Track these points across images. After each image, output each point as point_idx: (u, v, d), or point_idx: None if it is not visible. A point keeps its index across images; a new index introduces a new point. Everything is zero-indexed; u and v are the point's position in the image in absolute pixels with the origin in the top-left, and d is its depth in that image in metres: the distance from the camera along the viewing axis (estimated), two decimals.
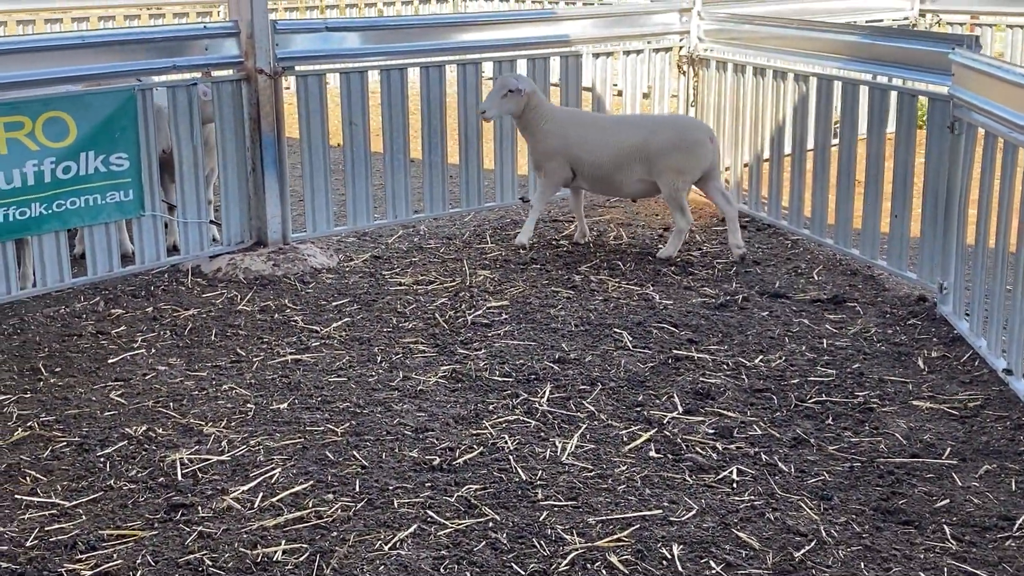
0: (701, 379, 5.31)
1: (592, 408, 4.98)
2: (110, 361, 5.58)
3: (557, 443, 4.62)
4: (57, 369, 5.49)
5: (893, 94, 6.69)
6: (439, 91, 7.65)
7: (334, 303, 6.44)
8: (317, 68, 7.26)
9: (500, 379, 5.31)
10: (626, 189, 7.34)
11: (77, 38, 6.27)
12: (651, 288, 6.69)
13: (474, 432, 4.72)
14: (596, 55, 8.64)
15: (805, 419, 4.90)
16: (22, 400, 5.09)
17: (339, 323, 6.09)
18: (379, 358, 5.59)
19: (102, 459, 4.48)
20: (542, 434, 4.72)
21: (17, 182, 5.97)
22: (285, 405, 5.01)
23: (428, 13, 15.19)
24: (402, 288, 6.69)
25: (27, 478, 4.33)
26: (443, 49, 7.70)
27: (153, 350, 5.74)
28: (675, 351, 5.66)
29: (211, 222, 7.09)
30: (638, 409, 4.98)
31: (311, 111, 7.15)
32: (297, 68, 7.14)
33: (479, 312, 6.24)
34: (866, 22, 10.33)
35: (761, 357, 5.59)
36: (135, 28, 10.27)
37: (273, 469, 4.39)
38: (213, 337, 5.91)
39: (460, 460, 4.45)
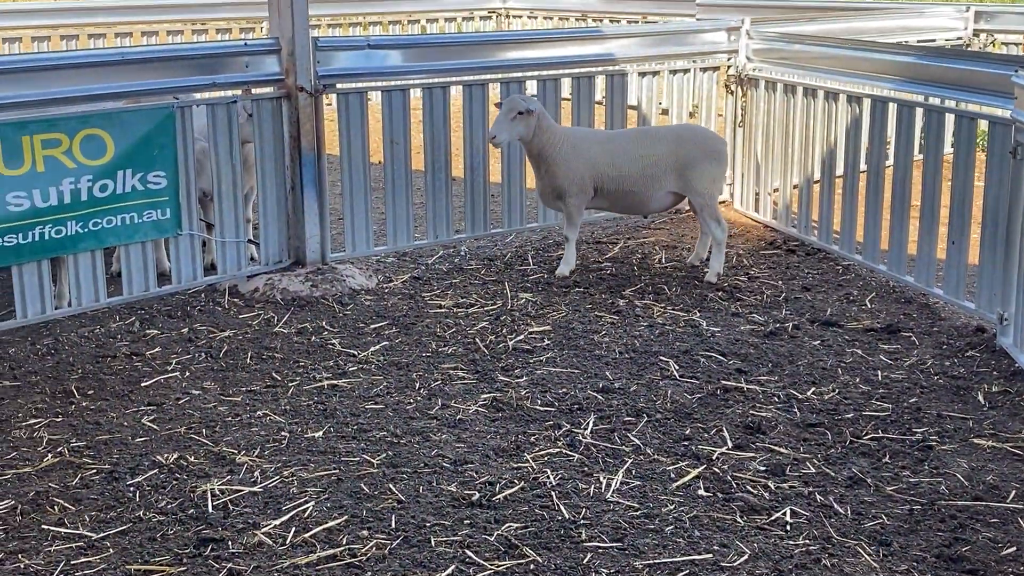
0: (751, 412, 5.11)
1: (638, 441, 4.79)
2: (143, 384, 5.47)
3: (601, 479, 4.44)
4: (90, 392, 5.38)
5: (950, 116, 6.46)
6: (482, 110, 7.52)
7: (372, 326, 6.29)
8: (359, 86, 7.14)
9: (542, 409, 5.13)
10: (653, 203, 7.20)
11: (116, 55, 6.19)
12: (698, 314, 6.49)
13: (515, 465, 4.55)
14: (642, 74, 8.46)
15: (861, 457, 4.69)
16: (53, 424, 4.98)
17: (377, 347, 5.95)
18: (417, 384, 5.44)
19: (132, 488, 4.36)
20: (585, 468, 4.54)
21: (54, 200, 5.89)
22: (320, 434, 4.86)
23: (472, 31, 15.08)
24: (442, 311, 6.54)
25: (55, 507, 4.21)
26: (486, 67, 7.56)
27: (187, 373, 5.62)
28: (724, 381, 5.46)
29: (249, 241, 6.98)
30: (686, 443, 4.79)
31: (352, 129, 7.03)
32: (339, 85, 7.03)
33: (520, 337, 6.08)
34: (918, 42, 10.12)
35: (813, 389, 5.38)
36: (175, 45, 10.21)
37: (307, 502, 4.24)
38: (249, 360, 5.79)
39: (500, 496, 4.28)
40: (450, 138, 7.48)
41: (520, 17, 15.68)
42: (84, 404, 5.22)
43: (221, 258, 6.77)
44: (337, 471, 4.50)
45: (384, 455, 4.64)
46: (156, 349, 5.94)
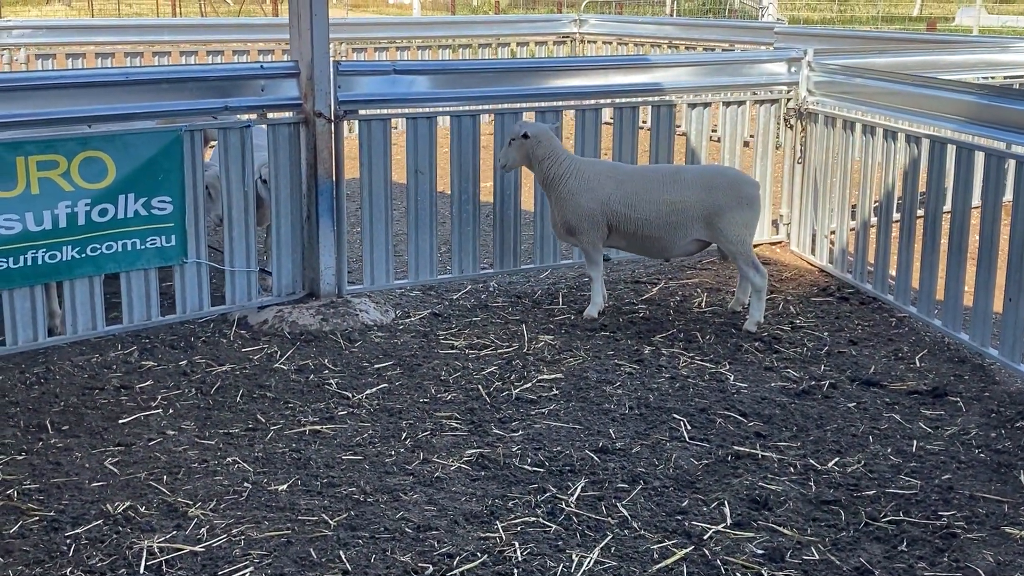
0: (760, 483, 4.63)
1: (626, 512, 4.35)
2: (121, 421, 5.20)
3: (574, 556, 4.01)
4: (64, 427, 5.13)
5: (1011, 162, 5.89)
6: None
7: (376, 365, 5.95)
8: (382, 112, 6.84)
9: (530, 469, 4.72)
10: (676, 250, 6.69)
11: (120, 75, 5.97)
12: (727, 366, 6.01)
13: (482, 535, 4.14)
14: (692, 105, 8.01)
15: (874, 542, 4.18)
16: (13, 463, 4.73)
17: (374, 389, 5.60)
18: (404, 434, 5.07)
19: (69, 540, 4.06)
20: (560, 543, 4.11)
21: (48, 224, 5.68)
22: (285, 487, 4.52)
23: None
24: (452, 352, 6.17)
25: None
26: (520, 96, 7.19)
27: (171, 410, 5.34)
28: (737, 446, 4.98)
29: (261, 271, 6.71)
30: (679, 517, 4.33)
31: (374, 157, 6.73)
32: (361, 112, 6.73)
33: (528, 385, 5.68)
34: (1004, 78, 9.49)
35: (837, 459, 4.87)
36: (186, 66, 10.10)
37: (246, 567, 3.89)
38: (238, 399, 5.49)
39: (456, 571, 3.88)
40: (479, 168, 7.13)
41: (595, 43, 15.34)
42: (54, 441, 4.97)
43: (231, 288, 6.51)
44: (290, 531, 4.15)
45: (345, 515, 4.28)
46: (148, 382, 5.69)
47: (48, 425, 5.14)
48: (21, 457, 4.79)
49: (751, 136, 8.65)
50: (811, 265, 8.01)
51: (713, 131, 9.11)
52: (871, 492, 4.57)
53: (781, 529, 4.25)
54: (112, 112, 5.93)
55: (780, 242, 8.50)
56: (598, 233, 6.62)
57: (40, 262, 5.71)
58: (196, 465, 4.73)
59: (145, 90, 6.02)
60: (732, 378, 5.84)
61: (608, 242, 6.75)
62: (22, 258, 5.65)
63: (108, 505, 4.33)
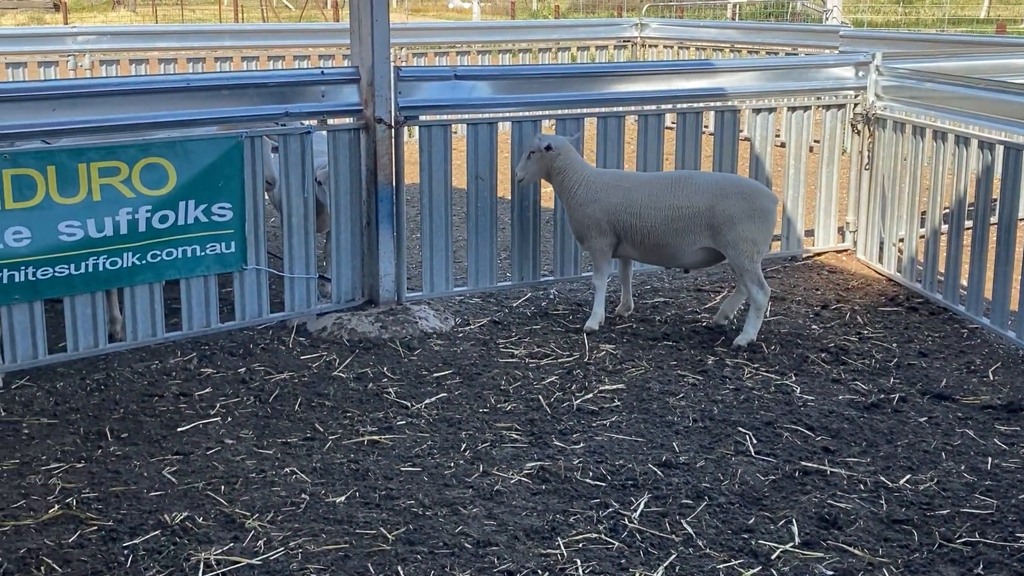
0: (830, 501, 4.48)
1: (691, 530, 4.23)
2: (180, 429, 5.18)
3: (637, 575, 3.90)
4: (124, 435, 5.12)
5: None
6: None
7: (435, 374, 5.89)
8: (443, 118, 6.77)
9: (591, 483, 4.62)
10: (685, 258, 6.50)
11: (181, 81, 5.97)
12: (793, 378, 5.86)
13: (543, 552, 4.05)
14: (757, 111, 7.85)
15: (949, 565, 4.02)
16: (72, 471, 4.73)
17: (433, 399, 5.54)
18: (464, 445, 4.99)
19: (126, 551, 4.04)
20: (623, 561, 4.01)
21: (109, 231, 5.68)
22: (343, 499, 4.46)
23: (604, 61, 14.67)
24: (512, 361, 6.09)
25: (42, 568, 3.92)
26: (581, 101, 7.10)
27: (229, 419, 5.31)
28: (804, 462, 4.84)
29: (321, 277, 6.68)
30: (745, 536, 4.20)
31: (434, 163, 6.67)
32: (421, 117, 6.68)
33: (589, 396, 5.58)
34: None
35: (908, 477, 4.71)
36: (247, 72, 10.09)
37: None
38: (296, 407, 5.45)
39: None
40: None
41: (656, 47, 15.19)
42: (112, 449, 4.96)
43: (290, 295, 6.48)
44: (348, 545, 4.09)
45: (404, 528, 4.21)
46: (207, 390, 5.67)
47: (108, 432, 5.14)
48: (81, 465, 4.79)
49: (816, 141, 8.47)
50: (878, 274, 7.82)
51: (777, 136, 8.95)
52: (945, 511, 4.41)
53: (851, 549, 4.11)
54: (173, 119, 5.92)
55: (846, 250, 8.32)
56: (605, 241, 6.47)
57: (101, 269, 5.72)
58: (254, 475, 4.69)
59: (206, 96, 6.01)
60: (798, 390, 5.70)
61: (619, 252, 6.58)
62: (84, 264, 5.66)
63: (166, 515, 4.29)
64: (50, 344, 5.78)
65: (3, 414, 5.33)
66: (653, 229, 6.36)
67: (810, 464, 4.82)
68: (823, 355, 6.21)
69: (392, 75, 6.45)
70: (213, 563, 3.94)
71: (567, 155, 6.49)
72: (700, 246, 6.38)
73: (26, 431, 5.14)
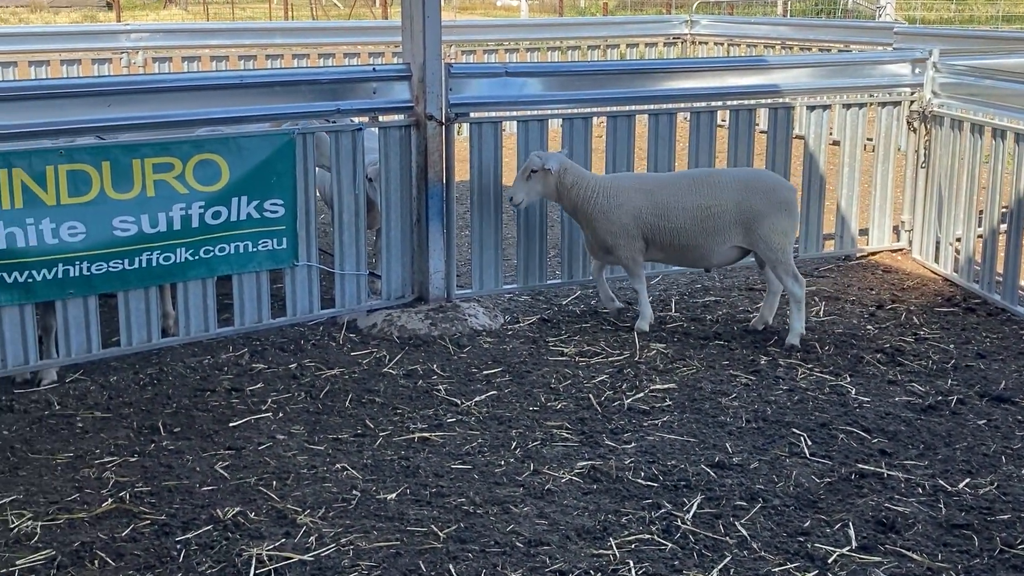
0: (887, 504, 4.40)
1: (745, 532, 4.17)
2: (232, 424, 5.20)
3: None
4: (176, 429, 5.15)
5: None
6: (627, 142, 7.00)
7: (485, 372, 5.87)
8: (493, 115, 6.75)
9: (643, 483, 4.57)
10: (716, 258, 6.39)
11: (235, 78, 5.99)
12: (848, 379, 5.78)
13: (595, 552, 4.01)
14: (811, 108, 7.75)
15: (1011, 571, 3.93)
16: (126, 464, 4.76)
17: (483, 396, 5.51)
18: (514, 443, 4.97)
19: (179, 545, 4.05)
20: (676, 563, 3.96)
21: (163, 226, 5.71)
22: (394, 496, 4.45)
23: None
24: (562, 359, 6.05)
25: (95, 561, 3.94)
26: (633, 98, 7.03)
27: (281, 414, 5.32)
28: (861, 464, 4.76)
29: (371, 274, 6.68)
30: (801, 539, 4.13)
31: (484, 160, 6.65)
32: (472, 115, 6.66)
33: (640, 395, 5.53)
34: None
35: (968, 480, 4.62)
36: (299, 68, 10.13)
37: None
38: (347, 403, 5.45)
39: None
40: (590, 171, 6.98)
41: (706, 44, 15.08)
42: (165, 443, 4.98)
43: (340, 291, 6.48)
44: (399, 542, 4.07)
45: (455, 527, 4.19)
46: (258, 385, 5.69)
47: (160, 427, 5.16)
48: (134, 459, 4.81)
49: (870, 139, 8.35)
50: (934, 274, 7.69)
51: (831, 133, 8.83)
52: (1006, 516, 4.31)
53: (910, 554, 4.03)
54: (226, 115, 5.94)
55: (901, 249, 8.19)
56: (636, 246, 6.35)
57: (155, 264, 5.75)
58: (305, 471, 4.69)
59: (258, 93, 6.03)
60: (853, 391, 5.61)
61: (647, 255, 6.47)
62: (137, 260, 5.69)
63: (218, 510, 4.30)
64: (104, 338, 5.82)
65: (57, 407, 5.38)
66: (682, 230, 6.26)
67: (866, 466, 4.74)
68: (878, 356, 6.11)
69: (443, 72, 6.44)
70: (265, 558, 3.94)
71: (573, 170, 6.34)
72: (732, 244, 6.30)
73: (80, 424, 5.19)
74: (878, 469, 4.71)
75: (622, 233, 6.30)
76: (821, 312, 6.89)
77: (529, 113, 6.84)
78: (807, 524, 4.25)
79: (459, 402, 5.45)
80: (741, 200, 6.22)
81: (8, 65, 11.63)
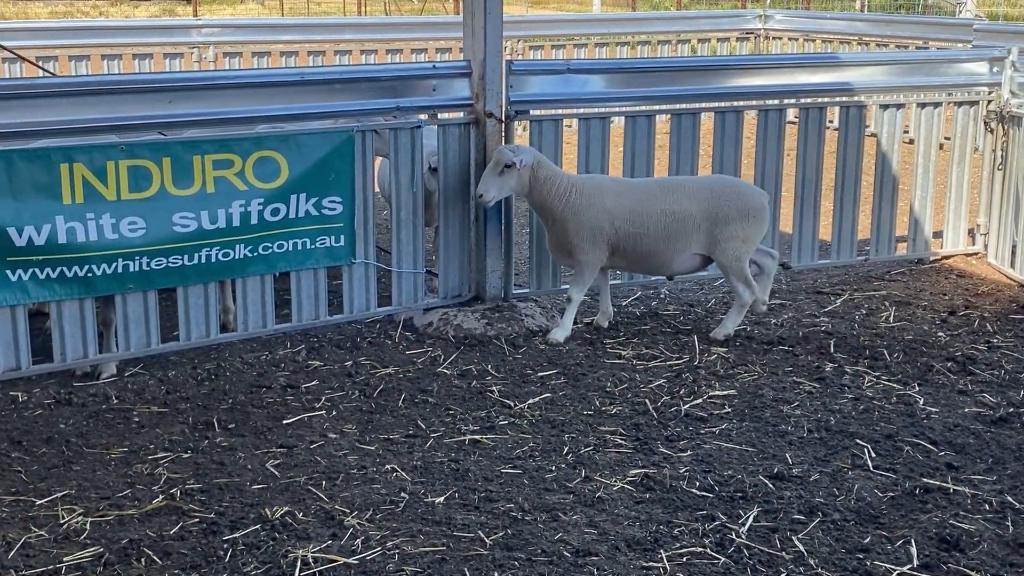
0: (952, 521, 4.24)
1: (802, 547, 4.04)
2: (286, 421, 5.19)
3: None
4: (231, 425, 5.15)
5: None
6: (691, 140, 6.87)
7: (539, 373, 5.79)
8: (554, 112, 6.67)
9: (698, 493, 4.46)
10: (675, 265, 6.24)
11: (296, 75, 5.98)
12: (916, 389, 5.60)
13: (645, 564, 3.91)
14: (884, 106, 7.53)
15: None
16: (179, 460, 4.76)
17: (537, 399, 5.44)
18: (566, 448, 4.88)
19: (226, 545, 4.03)
20: None
21: (222, 223, 5.72)
22: (442, 499, 4.39)
23: (725, 53, 14.37)
24: (620, 362, 5.95)
25: (142, 559, 3.93)
26: (698, 95, 6.90)
27: (334, 412, 5.30)
28: (926, 478, 4.59)
29: (428, 272, 6.63)
30: (860, 556, 3.99)
31: None
32: (532, 112, 6.58)
33: (698, 401, 5.41)
34: None
35: None
36: (359, 66, 10.12)
37: None
38: (400, 403, 5.41)
39: None
40: (653, 171, 6.87)
41: (780, 39, 14.84)
42: (219, 440, 4.98)
43: (397, 289, 6.44)
44: (445, 548, 4.01)
45: (502, 533, 4.12)
46: (313, 382, 5.67)
47: (215, 423, 5.17)
48: (187, 455, 4.82)
49: (946, 139, 8.12)
50: (1010, 280, 7.44)
51: (905, 132, 8.60)
52: None
53: (973, 574, 3.87)
54: (286, 112, 5.93)
55: (976, 253, 7.95)
56: (599, 251, 6.15)
57: (214, 260, 5.76)
58: (355, 471, 4.65)
59: (318, 90, 6.02)
60: (921, 401, 5.43)
61: (609, 261, 6.27)
62: (196, 256, 5.70)
63: (267, 509, 4.28)
64: (164, 333, 5.85)
65: (115, 401, 5.41)
66: (645, 235, 6.10)
67: (932, 481, 4.57)
68: (949, 364, 5.92)
69: (504, 69, 6.37)
70: (310, 560, 3.91)
71: (547, 165, 6.15)
72: (693, 251, 6.18)
73: (136, 419, 5.21)
74: (944, 484, 4.55)
75: (590, 235, 6.11)
76: (891, 318, 6.70)
77: (591, 111, 6.74)
78: (867, 540, 4.10)
79: (512, 404, 5.38)
80: (707, 206, 6.12)
81: (81, 59, 11.81)
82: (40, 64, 8.89)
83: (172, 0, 39.13)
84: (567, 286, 6.86)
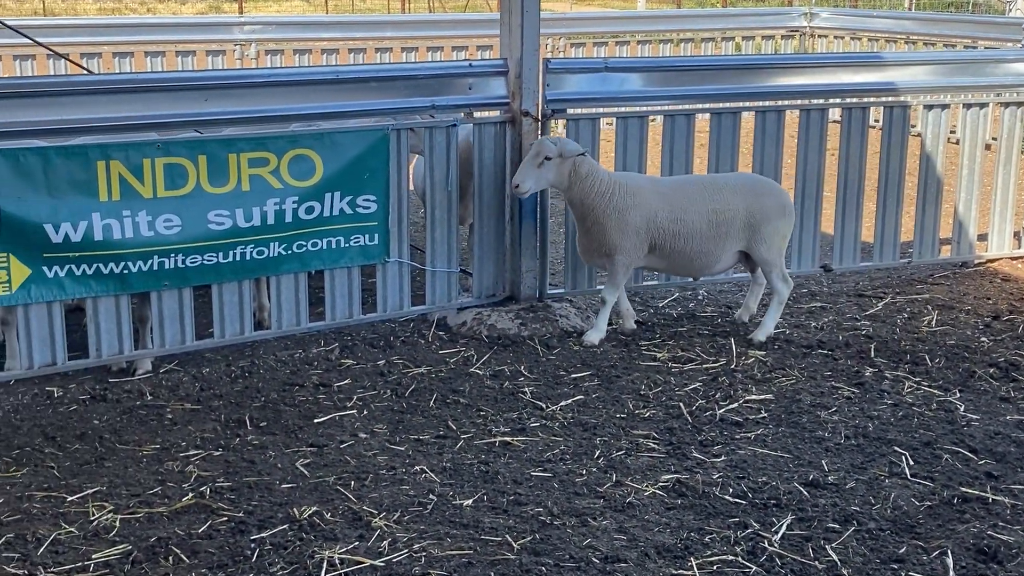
0: (990, 532, 4.14)
1: (836, 557, 3.96)
2: (317, 420, 5.18)
3: None
4: (263, 423, 5.15)
5: None
6: (731, 140, 6.78)
7: (573, 375, 5.74)
8: (592, 111, 6.61)
9: (731, 500, 4.39)
10: (719, 263, 6.22)
11: (331, 73, 5.97)
12: (957, 395, 5.49)
13: (674, 572, 3.85)
14: (929, 107, 7.40)
15: None
16: (210, 458, 4.77)
17: (569, 401, 5.39)
18: (597, 452, 4.83)
19: (253, 544, 4.02)
20: None
21: (257, 220, 5.72)
22: (470, 502, 4.36)
23: (770, 52, 14.22)
24: (655, 364, 5.89)
25: (170, 558, 3.93)
26: (738, 94, 6.81)
27: (365, 412, 5.29)
28: (964, 488, 4.49)
29: (462, 271, 6.60)
30: (895, 566, 3.91)
31: None
32: (569, 111, 6.53)
33: (734, 405, 5.33)
34: None
35: None
36: (394, 64, 10.10)
37: None
38: (431, 403, 5.39)
39: None
40: (692, 170, 6.79)
41: (826, 37, 14.65)
42: (250, 438, 4.98)
43: (431, 289, 6.42)
44: (472, 552, 3.98)
45: (530, 538, 4.08)
46: (345, 381, 5.66)
47: (247, 420, 5.17)
48: (218, 453, 4.82)
49: (993, 139, 7.96)
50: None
51: (952, 132, 8.45)
52: None
53: None
54: (321, 111, 5.93)
55: (1022, 257, 7.79)
56: (639, 252, 6.08)
57: (248, 258, 5.76)
58: (384, 472, 4.63)
59: (354, 88, 6.00)
60: (962, 408, 5.32)
61: (644, 262, 6.21)
62: (231, 253, 5.71)
63: (295, 509, 4.27)
64: (200, 330, 5.86)
65: (149, 398, 5.43)
66: (694, 234, 6.06)
67: (970, 490, 4.47)
68: (992, 371, 5.81)
69: (540, 67, 6.32)
70: (336, 562, 3.89)
71: (589, 160, 6.03)
72: (736, 249, 6.18)
73: (169, 416, 5.23)
74: (983, 493, 4.45)
75: (632, 235, 6.02)
76: (933, 322, 6.58)
77: (629, 109, 6.67)
78: (903, 550, 4.02)
79: (544, 406, 5.34)
80: (751, 203, 6.11)
81: (125, 56, 11.90)
82: (77, 62, 8.96)
83: None
84: (602, 287, 6.82)
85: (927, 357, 6.00)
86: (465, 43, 12.73)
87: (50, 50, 7.70)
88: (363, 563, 3.89)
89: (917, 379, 5.70)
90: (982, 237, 7.87)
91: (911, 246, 7.55)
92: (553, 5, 30.54)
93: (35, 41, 7.27)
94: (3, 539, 4.04)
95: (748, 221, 6.11)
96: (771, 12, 16.24)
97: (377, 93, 6.05)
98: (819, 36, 14.69)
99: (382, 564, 3.89)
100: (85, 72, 8.33)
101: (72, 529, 4.13)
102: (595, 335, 6.18)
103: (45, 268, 5.27)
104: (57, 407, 5.30)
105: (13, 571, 3.83)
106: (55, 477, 4.58)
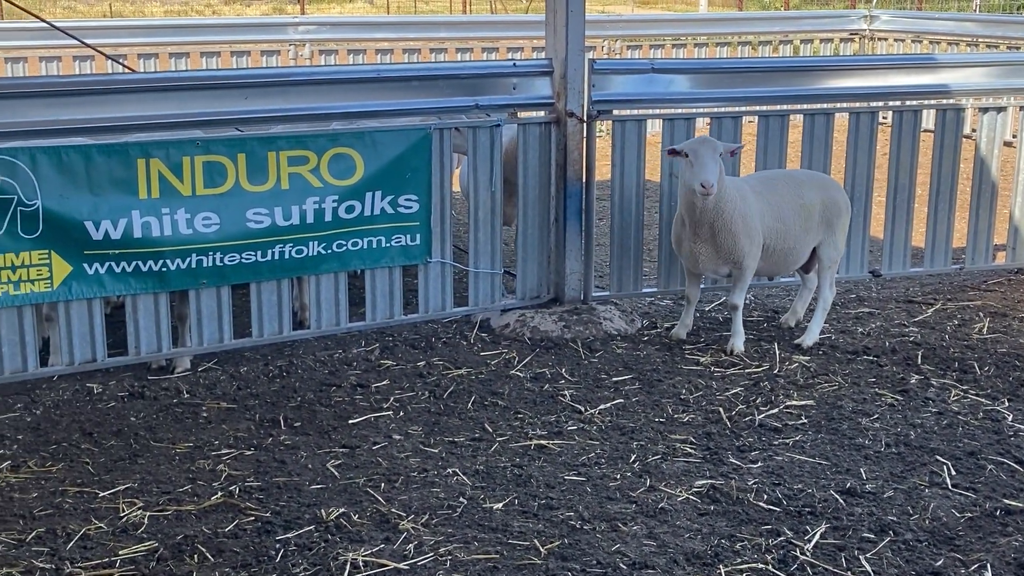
0: None
1: (869, 568, 3.86)
2: (352, 421, 5.17)
3: None
4: (296, 423, 5.15)
5: None
6: (779, 142, 6.67)
7: (614, 378, 5.67)
8: (637, 113, 6.53)
9: (764, 507, 4.30)
10: (803, 259, 6.16)
11: (372, 71, 5.96)
12: (1006, 404, 5.34)
13: None
14: (984, 109, 7.22)
15: None
16: (241, 458, 4.77)
17: (608, 404, 5.32)
18: (633, 456, 4.76)
19: (278, 545, 4.01)
20: None
21: (296, 219, 5.73)
22: (501, 505, 4.31)
23: (828, 55, 14.02)
24: (697, 368, 5.80)
25: (195, 556, 3.94)
26: (786, 97, 6.70)
27: (401, 413, 5.26)
28: (1008, 500, 4.36)
29: (506, 272, 6.56)
30: None
31: (626, 160, 6.44)
32: (615, 112, 6.46)
33: (774, 411, 5.24)
34: None
35: None
36: (437, 63, 10.07)
37: None
38: (469, 405, 5.35)
39: None
40: (739, 173, 6.69)
41: (885, 40, 14.43)
42: (283, 438, 4.98)
43: (474, 290, 6.39)
44: (499, 556, 3.93)
45: (558, 542, 4.02)
46: (384, 382, 5.65)
47: (281, 420, 5.17)
48: (250, 452, 4.83)
49: None
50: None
51: (1014, 137, 8.23)
52: None
53: None
54: (362, 109, 5.92)
55: None
56: (759, 253, 5.96)
57: (287, 256, 5.77)
58: (415, 474, 4.60)
59: (395, 87, 5.99)
60: (1010, 418, 5.18)
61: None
62: (270, 252, 5.72)
63: (322, 510, 4.26)
64: (239, 329, 5.88)
65: (186, 396, 5.46)
66: (789, 231, 6.00)
67: (1014, 503, 4.34)
68: None
69: (586, 68, 6.26)
70: (360, 564, 3.87)
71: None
72: (813, 244, 6.13)
73: (204, 414, 5.25)
74: None
75: (757, 238, 5.91)
76: (984, 329, 6.42)
77: (676, 111, 6.59)
78: (940, 563, 3.90)
79: (583, 409, 5.28)
80: (826, 196, 6.08)
81: (181, 56, 12.04)
82: (124, 62, 9.08)
83: None
84: (649, 289, 6.76)
85: (976, 365, 5.85)
86: (521, 44, 12.68)
87: (96, 50, 7.81)
88: (387, 566, 3.87)
89: (964, 387, 5.56)
90: None
91: (964, 252, 7.38)
92: (615, 7, 30.41)
93: (82, 42, 7.39)
94: (34, 533, 4.08)
95: (824, 215, 6.07)
96: (830, 15, 16.03)
97: (419, 92, 6.03)
98: (879, 39, 14.46)
99: (406, 567, 3.86)
100: (128, 71, 8.42)
101: (102, 525, 4.15)
102: (739, 341, 6.03)
103: (85, 265, 5.32)
104: (96, 403, 5.35)
105: (41, 565, 3.85)
106: (89, 473, 4.61)
